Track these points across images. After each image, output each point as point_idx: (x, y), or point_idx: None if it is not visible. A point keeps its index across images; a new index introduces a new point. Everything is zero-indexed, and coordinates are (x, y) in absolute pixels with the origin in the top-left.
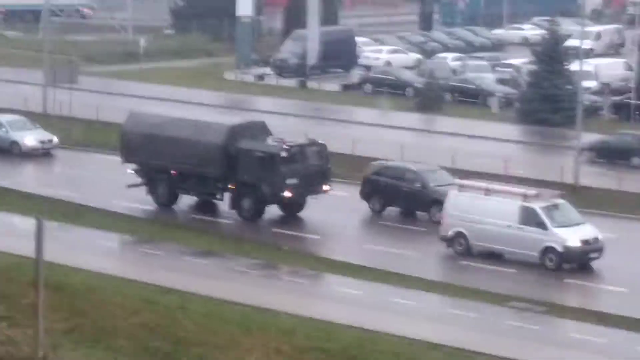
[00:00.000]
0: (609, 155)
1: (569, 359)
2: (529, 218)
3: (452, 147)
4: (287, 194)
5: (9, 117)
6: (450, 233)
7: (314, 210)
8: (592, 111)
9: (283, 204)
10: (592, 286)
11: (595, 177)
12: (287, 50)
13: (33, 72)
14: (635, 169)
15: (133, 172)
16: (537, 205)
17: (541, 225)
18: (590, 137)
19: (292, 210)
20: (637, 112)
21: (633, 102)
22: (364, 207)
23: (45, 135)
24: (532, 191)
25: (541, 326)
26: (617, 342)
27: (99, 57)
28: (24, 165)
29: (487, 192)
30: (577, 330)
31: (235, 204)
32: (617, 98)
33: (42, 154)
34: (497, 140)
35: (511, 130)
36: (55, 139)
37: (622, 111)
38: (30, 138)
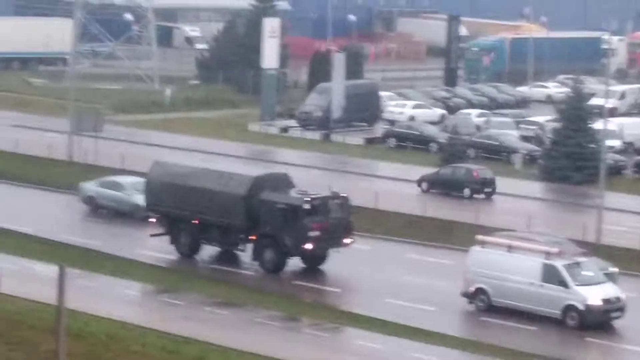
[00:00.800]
0: (443, 187)
1: None
2: (551, 275)
3: (475, 203)
4: (309, 246)
5: (130, 178)
6: (471, 289)
7: (335, 263)
8: (616, 170)
9: (305, 256)
10: (613, 345)
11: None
12: (312, 103)
13: (58, 120)
14: (467, 199)
15: (156, 221)
16: (559, 263)
17: (563, 283)
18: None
19: (313, 263)
20: None
21: None
22: (384, 261)
23: None
24: (554, 249)
25: None
26: None
27: (125, 106)
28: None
29: (510, 248)
30: None
31: (257, 255)
32: None
33: None
34: (519, 197)
35: (534, 188)
36: None
37: None
38: None
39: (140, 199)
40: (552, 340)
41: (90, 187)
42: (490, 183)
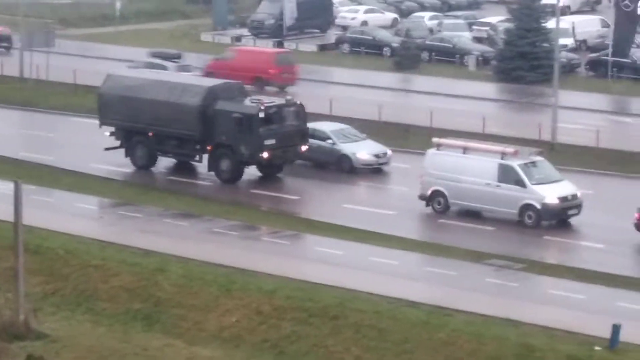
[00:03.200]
0: None
1: (548, 315)
2: (508, 175)
3: (430, 106)
4: (265, 154)
5: (333, 125)
6: (428, 192)
7: (292, 171)
8: (569, 68)
9: (261, 165)
10: (570, 242)
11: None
12: (264, 11)
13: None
14: None
15: (111, 135)
16: (515, 163)
17: (519, 182)
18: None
19: (270, 171)
20: (614, 69)
21: (610, 58)
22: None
23: (378, 147)
24: (510, 149)
25: (520, 283)
26: (595, 297)
27: (75, 20)
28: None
29: (466, 150)
30: (555, 287)
31: (213, 166)
32: (593, 55)
33: (372, 171)
34: (474, 99)
35: (488, 89)
36: (390, 152)
37: (599, 68)
38: (363, 152)
39: (347, 149)
40: (510, 239)
41: None
42: (7, 39)
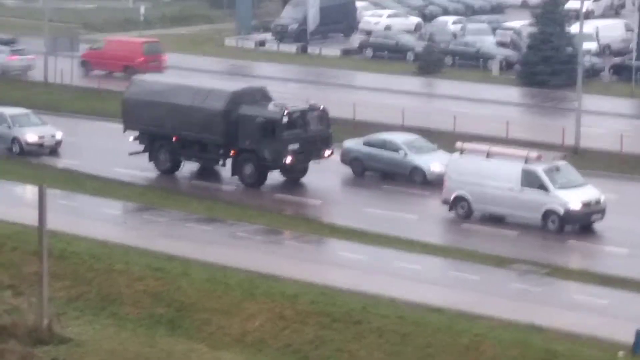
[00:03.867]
0: None
1: (572, 320)
2: (531, 180)
3: (453, 110)
4: (288, 159)
5: (405, 136)
6: (452, 196)
7: (316, 175)
8: (593, 72)
9: (285, 169)
10: (594, 247)
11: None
12: (288, 16)
13: (33, 41)
14: None
15: (135, 139)
16: (538, 168)
17: (543, 187)
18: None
19: (294, 176)
20: (638, 73)
21: (634, 63)
22: (368, 172)
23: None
24: (534, 153)
25: (544, 288)
26: (619, 302)
27: (99, 25)
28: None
29: (489, 155)
30: (579, 292)
31: (237, 170)
32: (617, 59)
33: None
34: (498, 103)
35: (512, 93)
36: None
37: (623, 72)
38: (437, 163)
39: (419, 160)
40: (534, 244)
41: (356, 146)
42: None
